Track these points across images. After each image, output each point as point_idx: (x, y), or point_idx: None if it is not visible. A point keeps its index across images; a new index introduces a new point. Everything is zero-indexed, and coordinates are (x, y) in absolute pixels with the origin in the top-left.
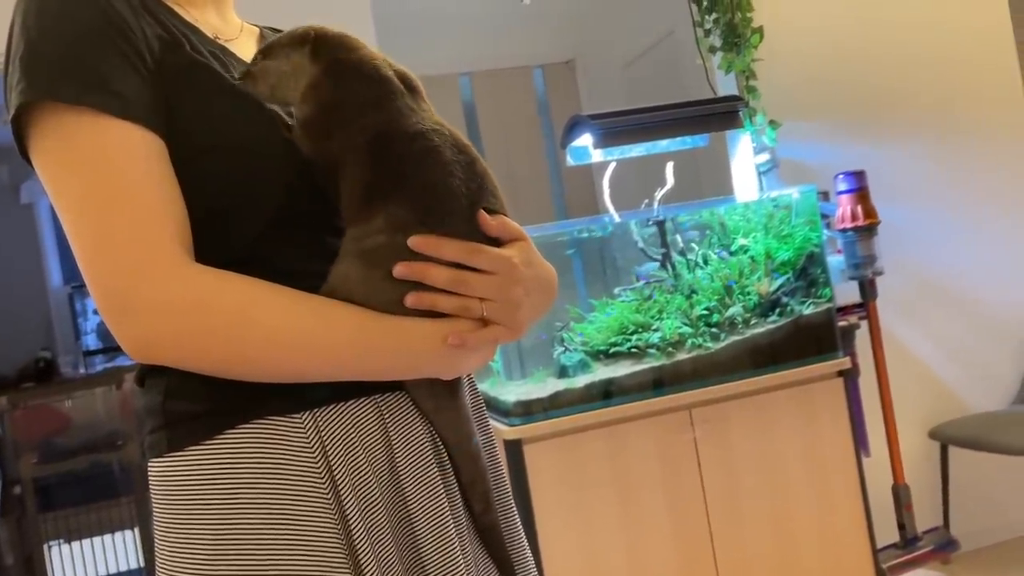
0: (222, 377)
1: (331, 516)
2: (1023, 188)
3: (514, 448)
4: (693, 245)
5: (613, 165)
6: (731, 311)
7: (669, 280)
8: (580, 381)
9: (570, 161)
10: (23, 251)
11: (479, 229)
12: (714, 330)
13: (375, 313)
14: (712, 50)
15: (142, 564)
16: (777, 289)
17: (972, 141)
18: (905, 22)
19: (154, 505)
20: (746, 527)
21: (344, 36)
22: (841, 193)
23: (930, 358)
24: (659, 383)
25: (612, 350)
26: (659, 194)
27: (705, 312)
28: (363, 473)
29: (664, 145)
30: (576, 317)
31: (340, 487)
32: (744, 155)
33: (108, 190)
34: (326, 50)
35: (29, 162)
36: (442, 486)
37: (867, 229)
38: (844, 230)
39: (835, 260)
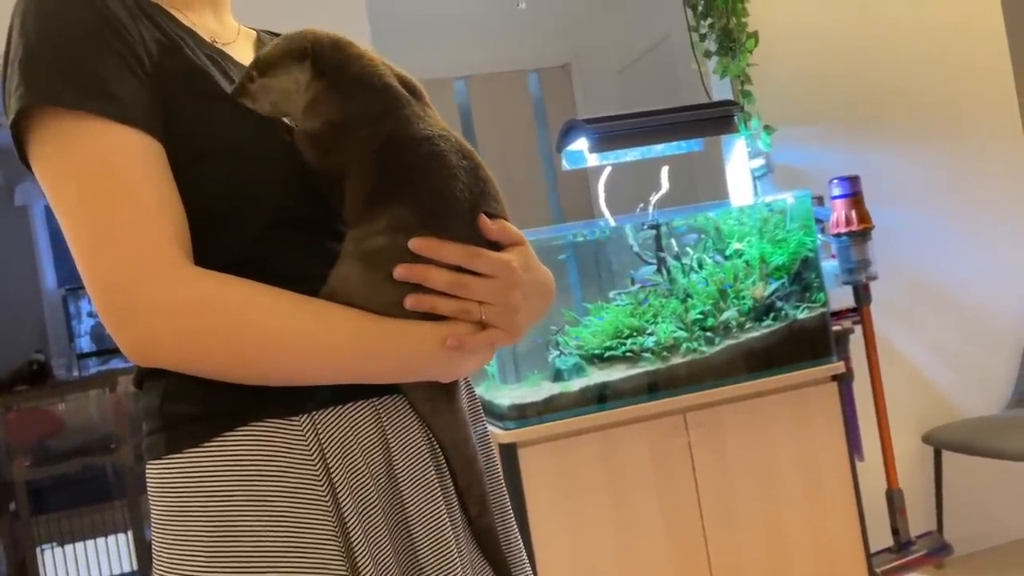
0: (221, 380)
1: (329, 519)
2: (1017, 193)
3: (508, 452)
4: (688, 249)
5: (608, 169)
6: (726, 315)
7: (664, 284)
8: (575, 385)
9: (565, 165)
10: (17, 254)
11: (480, 233)
12: (709, 334)
13: (375, 316)
14: (707, 55)
15: (135, 567)
16: (772, 293)
17: (965, 146)
18: (899, 27)
19: (151, 507)
20: (740, 531)
21: (341, 44)
22: (835, 198)
23: (924, 363)
24: (654, 387)
25: (607, 354)
26: (654, 198)
27: (700, 316)
28: (361, 476)
29: (659, 149)
30: (571, 321)
31: (338, 490)
32: (739, 160)
33: (107, 193)
34: (327, 63)
35: (29, 167)
36: (439, 489)
37: (861, 234)
38: (838, 235)
39: (829, 265)
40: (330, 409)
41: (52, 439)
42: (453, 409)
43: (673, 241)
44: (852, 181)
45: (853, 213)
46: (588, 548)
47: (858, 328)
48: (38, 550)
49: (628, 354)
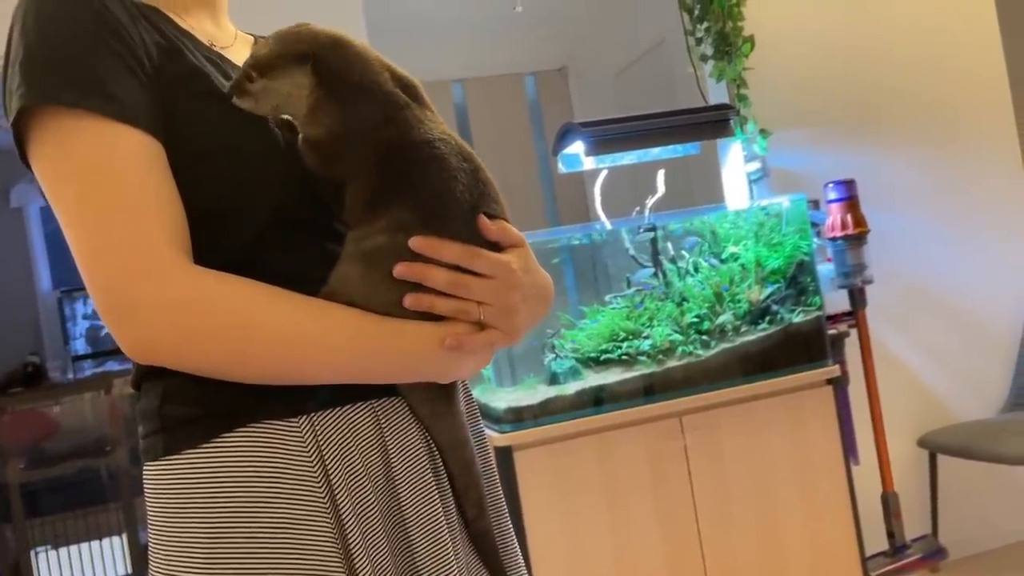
0: (221, 379)
1: (327, 520)
2: (1012, 197)
3: (504, 455)
4: (684, 253)
5: (604, 173)
6: (721, 319)
7: (660, 287)
8: (571, 388)
9: (562, 168)
10: (12, 255)
11: (480, 234)
12: (704, 338)
13: (375, 316)
14: (703, 59)
15: (130, 571)
16: (767, 297)
17: (960, 150)
18: (895, 32)
19: (148, 509)
20: (735, 534)
21: (339, 44)
22: (831, 202)
23: (919, 366)
24: (649, 390)
25: (603, 357)
26: (650, 202)
27: (696, 320)
28: (359, 478)
29: (655, 153)
30: (567, 324)
31: (336, 492)
32: (735, 163)
33: (107, 193)
34: (327, 68)
35: (28, 166)
36: (436, 492)
37: (857, 238)
38: (834, 239)
39: (825, 268)
40: (328, 411)
41: (47, 441)
42: (452, 412)
43: (669, 244)
44: (848, 185)
45: (849, 217)
46: (584, 551)
47: (854, 332)
48: (32, 553)
49: (624, 357)
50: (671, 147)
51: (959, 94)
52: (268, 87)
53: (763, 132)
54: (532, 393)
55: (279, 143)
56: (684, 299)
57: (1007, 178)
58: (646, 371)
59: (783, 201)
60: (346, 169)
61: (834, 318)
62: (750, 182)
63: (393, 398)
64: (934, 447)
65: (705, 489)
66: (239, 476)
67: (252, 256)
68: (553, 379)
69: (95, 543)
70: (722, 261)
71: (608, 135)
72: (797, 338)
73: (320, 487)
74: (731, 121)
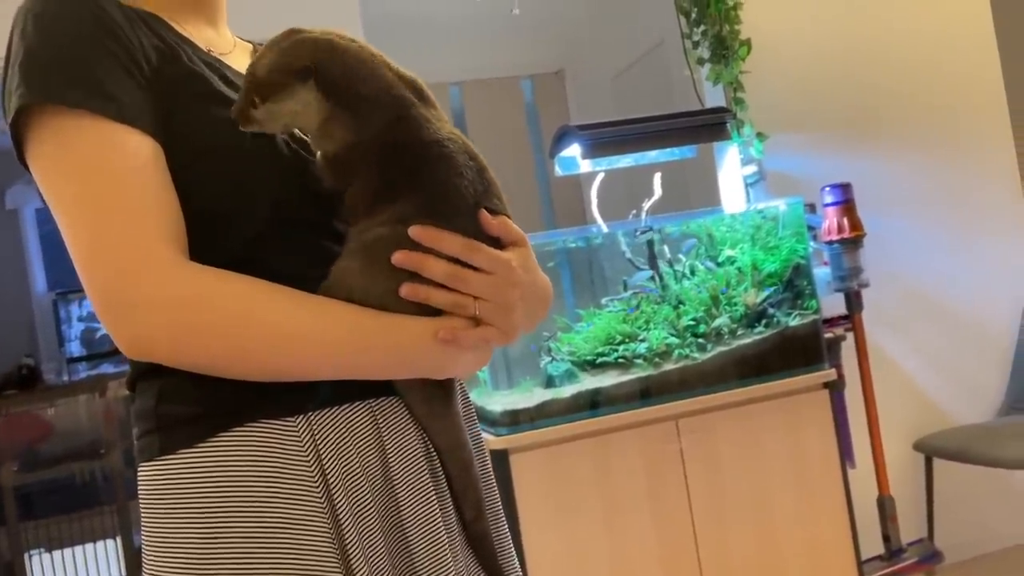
0: (219, 375)
1: (324, 520)
2: (1007, 201)
3: (500, 458)
4: (680, 256)
5: (601, 175)
6: (718, 322)
7: (656, 290)
8: (567, 391)
9: (558, 171)
10: (7, 257)
11: (482, 230)
12: (701, 341)
13: (372, 311)
14: (700, 62)
15: (124, 574)
16: (764, 300)
17: (956, 153)
18: (891, 35)
19: (143, 509)
20: (731, 538)
21: (339, 52)
22: (827, 205)
23: (915, 370)
24: (646, 393)
25: (599, 360)
26: (647, 205)
27: (692, 323)
28: (356, 478)
29: (652, 156)
30: (563, 327)
31: (333, 491)
32: (731, 167)
33: (104, 192)
34: (331, 80)
35: (26, 166)
36: (434, 493)
37: (853, 241)
38: (830, 242)
39: (821, 272)
40: (326, 410)
41: (41, 444)
42: (450, 413)
43: (666, 247)
44: (844, 188)
45: (845, 220)
46: (580, 554)
47: (850, 335)
48: (26, 556)
49: (620, 360)
50: (668, 150)
51: (955, 98)
52: (272, 110)
53: (760, 135)
54: (528, 396)
55: (279, 141)
56: (680, 302)
57: (1003, 182)
58: (642, 374)
59: (779, 204)
60: (359, 174)
61: (830, 322)
62: (746, 185)
63: (391, 398)
64: (930, 451)
65: (701, 492)
66: (235, 476)
67: (252, 255)
68: (549, 382)
69: (89, 546)
70: (718, 264)
71: (605, 138)
72: (793, 342)
73: (317, 487)
74: (728, 124)
